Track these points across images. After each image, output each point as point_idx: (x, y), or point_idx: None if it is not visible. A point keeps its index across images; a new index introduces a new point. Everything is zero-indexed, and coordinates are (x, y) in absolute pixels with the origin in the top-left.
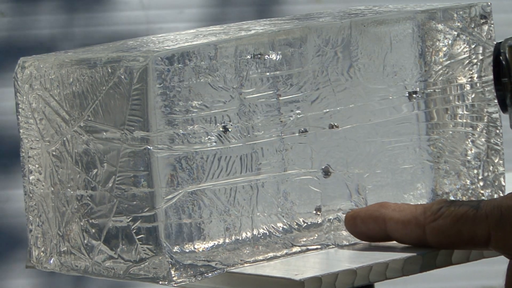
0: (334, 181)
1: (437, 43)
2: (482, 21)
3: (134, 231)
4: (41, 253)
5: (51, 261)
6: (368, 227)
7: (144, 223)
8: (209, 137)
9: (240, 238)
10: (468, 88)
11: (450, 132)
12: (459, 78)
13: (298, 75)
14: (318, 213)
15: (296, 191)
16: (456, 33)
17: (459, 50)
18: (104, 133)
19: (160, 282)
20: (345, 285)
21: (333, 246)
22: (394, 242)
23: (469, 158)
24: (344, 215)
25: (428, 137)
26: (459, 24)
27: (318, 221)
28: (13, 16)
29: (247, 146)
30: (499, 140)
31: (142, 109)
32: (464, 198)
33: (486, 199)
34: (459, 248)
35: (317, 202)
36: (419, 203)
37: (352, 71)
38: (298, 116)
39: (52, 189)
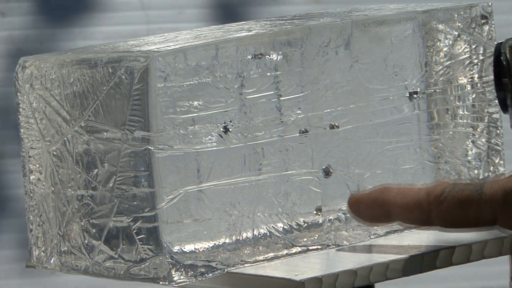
0: (335, 181)
1: (438, 43)
2: (482, 21)
3: (134, 231)
4: (42, 253)
5: (52, 261)
6: (372, 213)
7: (144, 223)
8: (209, 137)
9: (241, 238)
10: (469, 88)
11: (451, 133)
12: (460, 78)
13: (298, 75)
14: (319, 213)
15: (296, 191)
16: (456, 33)
17: (460, 50)
18: (105, 133)
19: (161, 282)
20: (345, 285)
21: (334, 246)
22: (394, 241)
23: (469, 158)
24: (348, 200)
25: (429, 137)
26: (459, 24)
27: (318, 221)
28: (13, 16)
29: (248, 147)
30: (499, 140)
31: (142, 109)
32: None
33: (487, 181)
34: (465, 229)
35: (318, 202)
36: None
37: (352, 71)
38: (299, 116)
39: (53, 189)
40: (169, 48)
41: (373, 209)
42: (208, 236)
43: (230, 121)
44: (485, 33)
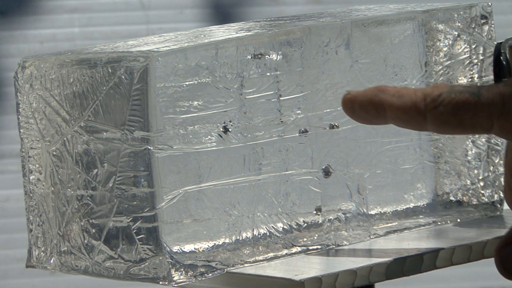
0: (335, 181)
1: (438, 43)
2: (482, 21)
3: (134, 231)
4: (42, 253)
5: (51, 261)
6: (367, 112)
7: (144, 223)
8: (209, 137)
9: (241, 238)
10: None
11: None
12: (460, 78)
13: (298, 75)
14: (318, 213)
15: (296, 191)
16: (456, 33)
17: (460, 50)
18: (105, 133)
19: (160, 282)
20: (345, 285)
21: (333, 246)
22: (393, 241)
23: (469, 158)
24: (342, 98)
25: (429, 137)
26: (459, 24)
27: (318, 221)
28: (13, 16)
29: (248, 146)
30: (499, 140)
31: (142, 109)
32: (464, 199)
33: (485, 85)
34: (460, 134)
35: (318, 202)
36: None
37: (352, 71)
38: (299, 116)
39: (53, 189)
40: (168, 48)
41: (367, 109)
42: (207, 236)
43: (230, 121)
44: (485, 33)
